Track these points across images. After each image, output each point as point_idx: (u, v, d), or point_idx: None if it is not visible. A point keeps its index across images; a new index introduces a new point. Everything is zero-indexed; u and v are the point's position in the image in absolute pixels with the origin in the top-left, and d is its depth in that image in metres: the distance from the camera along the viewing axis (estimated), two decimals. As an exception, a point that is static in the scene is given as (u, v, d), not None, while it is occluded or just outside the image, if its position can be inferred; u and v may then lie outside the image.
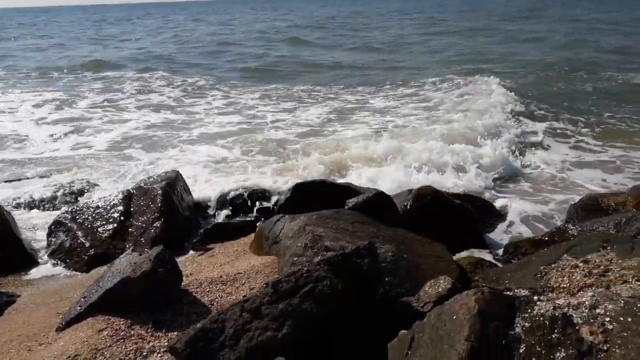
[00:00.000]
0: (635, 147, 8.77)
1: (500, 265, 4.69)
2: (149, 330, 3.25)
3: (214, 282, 3.77)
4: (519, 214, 6.35)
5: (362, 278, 3.04)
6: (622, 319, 2.18)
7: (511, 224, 6.10)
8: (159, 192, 5.16)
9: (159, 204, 5.07)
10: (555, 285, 3.61)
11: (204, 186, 6.46)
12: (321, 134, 10.06)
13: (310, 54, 23.45)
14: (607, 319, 2.20)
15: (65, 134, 10.80)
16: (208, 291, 3.68)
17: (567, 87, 13.99)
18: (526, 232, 5.91)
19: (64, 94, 15.13)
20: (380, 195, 5.09)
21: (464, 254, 5.12)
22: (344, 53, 23.16)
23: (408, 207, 5.36)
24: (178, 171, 5.86)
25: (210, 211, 5.79)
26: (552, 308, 2.24)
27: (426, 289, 3.51)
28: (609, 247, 3.84)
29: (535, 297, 2.30)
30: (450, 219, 5.38)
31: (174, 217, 5.08)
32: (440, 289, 3.40)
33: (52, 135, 10.76)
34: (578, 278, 3.55)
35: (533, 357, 2.11)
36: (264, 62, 21.23)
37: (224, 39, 32.14)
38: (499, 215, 6.34)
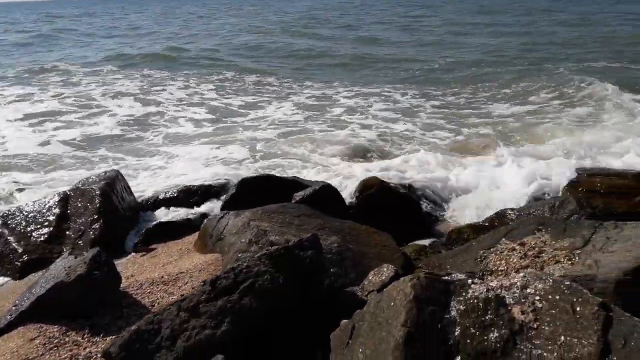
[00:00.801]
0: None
1: (443, 251, 4.79)
2: (85, 335, 3.12)
3: (155, 283, 3.65)
4: (464, 200, 6.53)
5: (306, 271, 3.02)
6: (550, 297, 2.26)
7: (455, 210, 6.26)
8: (97, 192, 4.96)
9: (98, 205, 4.87)
10: (493, 269, 3.74)
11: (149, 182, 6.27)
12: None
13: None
14: (537, 297, 2.27)
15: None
16: (149, 292, 3.57)
17: None
18: (470, 218, 6.06)
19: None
20: (327, 188, 5.10)
21: (409, 241, 5.20)
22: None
23: (355, 198, 5.40)
24: (118, 171, 5.65)
25: (154, 210, 5.62)
26: (485, 290, 2.30)
27: (370, 277, 3.54)
28: (543, 230, 4.00)
29: (470, 281, 2.35)
30: (396, 208, 5.47)
31: (114, 217, 4.89)
32: (383, 277, 3.44)
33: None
34: (515, 260, 3.68)
35: (468, 339, 2.15)
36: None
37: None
38: (445, 202, 6.49)
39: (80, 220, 4.89)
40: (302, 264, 2.98)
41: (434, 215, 6.20)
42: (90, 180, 5.42)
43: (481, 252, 4.04)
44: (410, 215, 5.62)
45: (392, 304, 2.31)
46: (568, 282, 2.32)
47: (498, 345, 2.13)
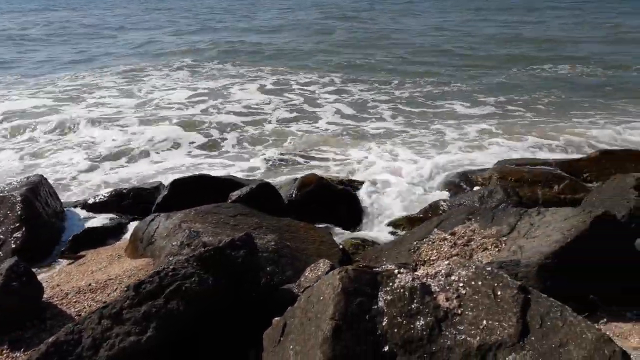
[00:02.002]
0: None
1: (380, 244, 4.87)
2: (4, 351, 2.93)
3: (82, 291, 3.48)
4: (401, 194, 6.67)
5: (239, 271, 2.97)
6: (473, 283, 2.33)
7: (394, 204, 6.37)
8: (18, 199, 4.66)
9: (19, 212, 4.58)
10: (426, 259, 3.83)
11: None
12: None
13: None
14: (461, 284, 2.34)
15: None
16: (75, 301, 3.39)
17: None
18: (407, 211, 6.19)
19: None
20: (264, 186, 5.06)
21: (348, 236, 5.25)
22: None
23: (293, 195, 5.38)
24: (42, 175, 5.34)
25: (84, 214, 5.35)
26: (411, 279, 2.34)
27: (306, 274, 3.54)
28: (473, 219, 4.13)
29: (396, 271, 2.39)
30: (335, 204, 5.50)
31: (38, 225, 4.62)
32: (319, 273, 3.44)
33: None
34: (445, 249, 3.79)
35: (395, 328, 2.18)
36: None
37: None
38: (381, 197, 6.60)
39: (1, 229, 4.59)
40: (234, 264, 2.93)
41: (373, 208, 6.29)
42: (12, 186, 5.09)
43: (414, 243, 4.14)
44: (349, 210, 5.68)
45: (321, 298, 2.31)
46: (489, 268, 2.40)
47: (424, 332, 2.17)
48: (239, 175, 6.84)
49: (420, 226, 4.62)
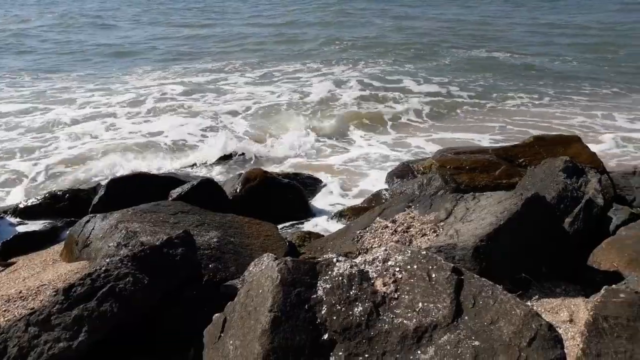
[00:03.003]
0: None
1: (325, 235, 4.90)
2: None
3: (12, 300, 3.29)
4: (346, 185, 6.74)
5: (177, 269, 2.91)
6: (409, 267, 2.38)
7: (339, 195, 6.43)
8: (-61, 206, 4.35)
9: (-60, 221, 4.28)
10: (368, 247, 3.89)
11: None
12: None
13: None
14: (397, 269, 2.39)
15: None
16: (5, 311, 3.20)
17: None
18: (353, 201, 6.27)
19: None
20: (206, 183, 4.96)
21: (295, 229, 5.26)
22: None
23: (237, 191, 5.32)
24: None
25: (15, 220, 5.07)
26: (349, 267, 2.36)
27: (250, 268, 3.50)
28: (412, 206, 4.23)
29: (335, 259, 2.41)
30: (280, 197, 5.48)
31: (-38, 232, 4.33)
32: (263, 267, 3.42)
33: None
34: (387, 237, 3.86)
35: (334, 316, 2.20)
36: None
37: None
38: (328, 189, 6.64)
39: None
40: (173, 263, 2.86)
41: (321, 201, 6.33)
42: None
43: (358, 232, 4.19)
44: (295, 203, 5.67)
45: (260, 291, 2.29)
46: (424, 252, 2.46)
47: (362, 318, 2.20)
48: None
49: (363, 215, 4.68)
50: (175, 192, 4.72)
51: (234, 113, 10.23)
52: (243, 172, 5.62)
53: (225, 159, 7.89)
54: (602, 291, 2.48)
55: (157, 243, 2.87)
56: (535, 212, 3.41)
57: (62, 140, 8.65)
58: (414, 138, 8.67)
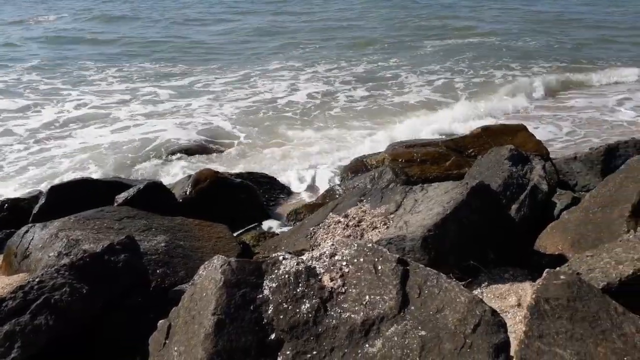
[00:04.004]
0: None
1: (280, 233, 4.85)
2: None
3: (-57, 319, 3.08)
4: (301, 182, 6.71)
5: (120, 276, 2.79)
6: (355, 260, 2.37)
7: (294, 193, 6.40)
8: None
9: None
10: (321, 243, 3.87)
11: None
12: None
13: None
14: (344, 263, 2.37)
15: None
16: None
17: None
18: (309, 198, 6.24)
19: None
20: (153, 186, 4.81)
21: (249, 229, 5.18)
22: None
23: (187, 193, 5.19)
24: None
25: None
26: (296, 264, 2.33)
27: (200, 272, 3.40)
28: (364, 200, 4.24)
29: (281, 257, 2.36)
30: (233, 198, 5.39)
31: None
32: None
33: None
34: (339, 232, 3.85)
35: (281, 315, 2.16)
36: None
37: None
38: (283, 187, 6.59)
39: None
40: (115, 270, 2.74)
41: (276, 199, 6.27)
42: None
43: (311, 228, 4.16)
44: (249, 203, 5.59)
45: (204, 294, 2.23)
46: (370, 244, 2.45)
47: (310, 315, 2.17)
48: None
49: (317, 212, 4.66)
50: (121, 197, 4.55)
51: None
52: (193, 173, 5.49)
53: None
54: (544, 274, 2.53)
55: (97, 250, 2.74)
56: (481, 200, 3.48)
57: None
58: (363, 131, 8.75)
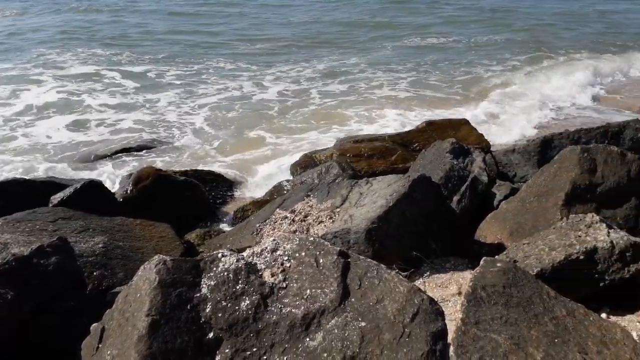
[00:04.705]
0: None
1: (226, 231, 4.77)
2: None
3: None
4: (248, 179, 6.62)
5: (52, 279, 2.65)
6: (297, 255, 2.35)
7: (242, 190, 6.31)
8: None
9: None
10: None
11: None
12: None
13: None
14: (285, 258, 2.34)
15: None
16: None
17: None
18: (256, 195, 6.16)
19: None
20: (90, 185, 4.61)
21: (194, 228, 5.06)
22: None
23: (129, 192, 5.01)
24: None
25: None
26: (235, 261, 2.28)
27: (140, 272, 3.30)
28: (311, 195, 4.23)
29: (220, 254, 2.31)
30: (177, 196, 5.25)
31: None
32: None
33: None
34: (285, 227, 3.82)
35: (219, 313, 2.10)
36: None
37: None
38: (232, 184, 6.49)
39: None
40: (45, 273, 2.60)
41: (223, 197, 6.16)
42: None
43: (257, 225, 4.12)
44: (194, 201, 5.46)
45: (138, 295, 2.14)
46: (312, 238, 2.44)
47: (250, 312, 2.13)
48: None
49: (264, 208, 4.62)
50: (56, 198, 4.33)
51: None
52: (134, 171, 5.30)
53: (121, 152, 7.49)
54: (482, 262, 2.61)
55: (24, 254, 2.59)
56: (423, 192, 3.54)
57: None
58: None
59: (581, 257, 2.99)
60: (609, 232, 3.11)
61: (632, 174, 3.87)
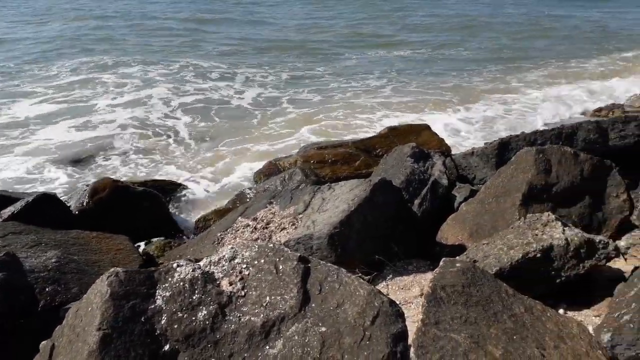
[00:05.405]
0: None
1: (186, 241, 4.67)
2: None
3: None
4: (211, 188, 6.53)
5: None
6: (256, 262, 2.30)
7: (203, 199, 6.20)
8: None
9: None
10: (227, 248, 3.75)
11: None
12: None
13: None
14: (244, 265, 2.29)
15: None
16: None
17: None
18: (219, 204, 6.07)
19: None
20: (43, 199, 4.43)
21: (154, 240, 4.93)
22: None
23: (85, 204, 4.84)
24: None
25: None
26: (191, 270, 2.22)
27: (92, 286, 3.19)
28: (274, 202, 4.18)
29: (175, 264, 2.24)
30: (135, 207, 5.11)
31: None
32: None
33: None
34: (247, 235, 3.76)
35: (175, 324, 2.04)
36: None
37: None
38: (194, 194, 6.37)
39: None
40: (-10, 290, 2.47)
41: (184, 207, 6.04)
42: None
43: (219, 234, 4.04)
44: (154, 211, 5.33)
45: (89, 309, 2.05)
46: (271, 245, 2.40)
47: (207, 322, 2.07)
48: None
49: (225, 217, 4.54)
50: (6, 212, 4.15)
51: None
52: (90, 183, 5.13)
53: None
54: (441, 263, 2.62)
55: (-33, 271, 2.45)
56: (384, 196, 3.56)
57: None
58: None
59: (538, 255, 3.05)
60: (564, 230, 3.19)
61: (585, 173, 3.99)
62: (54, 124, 8.99)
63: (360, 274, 3.13)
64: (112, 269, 2.27)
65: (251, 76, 12.67)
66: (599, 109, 9.88)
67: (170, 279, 2.18)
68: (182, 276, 2.19)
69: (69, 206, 4.71)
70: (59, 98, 10.51)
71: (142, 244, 4.79)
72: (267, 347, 2.02)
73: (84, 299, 2.15)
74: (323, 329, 2.04)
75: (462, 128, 9.02)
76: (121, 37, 17.14)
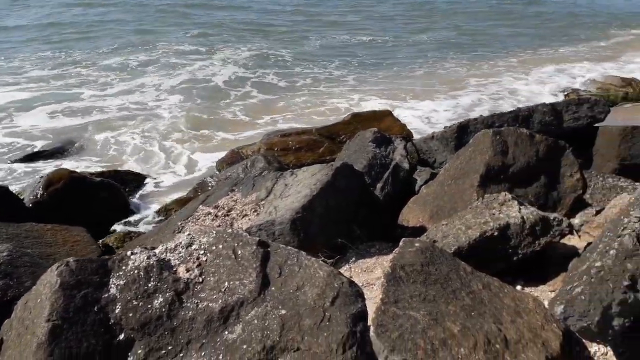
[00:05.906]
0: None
1: (147, 231, 4.57)
2: None
3: None
4: (172, 178, 6.40)
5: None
6: (214, 248, 2.26)
7: (165, 188, 6.08)
8: None
9: None
10: (188, 236, 3.69)
11: None
12: None
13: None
14: (202, 252, 2.25)
15: None
16: None
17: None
18: (180, 193, 5.96)
19: None
20: (-6, 191, 4.25)
21: (114, 230, 4.82)
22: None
23: (39, 196, 4.67)
24: None
25: None
26: (146, 258, 2.16)
27: (41, 277, 3.09)
28: (236, 189, 4.13)
29: (129, 252, 2.18)
30: (92, 198, 4.96)
31: None
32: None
33: None
34: (208, 223, 3.71)
35: (130, 313, 1.99)
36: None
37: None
38: (153, 183, 6.24)
39: None
40: None
41: (144, 196, 5.91)
42: None
43: (179, 223, 3.97)
44: (112, 202, 5.20)
45: (38, 300, 1.98)
46: (230, 230, 2.36)
47: (163, 310, 2.02)
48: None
49: (186, 206, 4.46)
50: (-47, 206, 3.95)
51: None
52: (44, 174, 4.95)
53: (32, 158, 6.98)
54: (401, 243, 2.64)
55: None
56: (346, 180, 3.56)
57: None
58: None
59: (495, 233, 3.12)
60: (520, 209, 3.27)
61: (540, 154, 4.09)
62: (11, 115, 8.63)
63: (323, 258, 3.13)
64: (64, 260, 2.20)
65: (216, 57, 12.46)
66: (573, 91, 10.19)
67: (124, 267, 2.12)
68: (136, 264, 2.14)
69: (22, 199, 4.52)
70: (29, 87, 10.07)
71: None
72: (226, 332, 1.99)
73: (33, 291, 2.07)
74: (283, 311, 2.03)
75: (431, 116, 9.12)
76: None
